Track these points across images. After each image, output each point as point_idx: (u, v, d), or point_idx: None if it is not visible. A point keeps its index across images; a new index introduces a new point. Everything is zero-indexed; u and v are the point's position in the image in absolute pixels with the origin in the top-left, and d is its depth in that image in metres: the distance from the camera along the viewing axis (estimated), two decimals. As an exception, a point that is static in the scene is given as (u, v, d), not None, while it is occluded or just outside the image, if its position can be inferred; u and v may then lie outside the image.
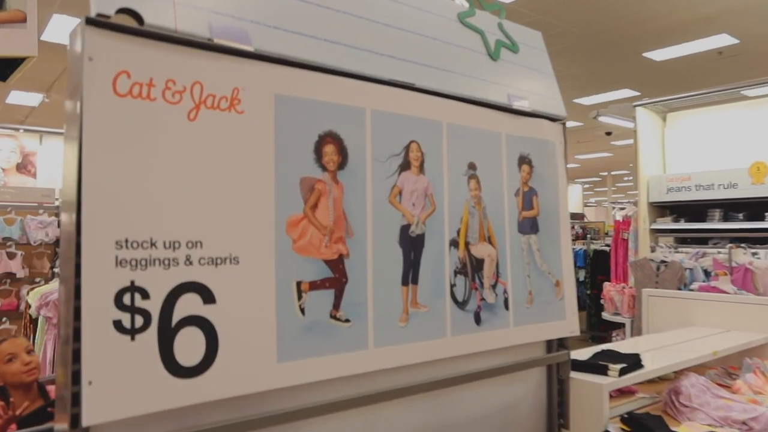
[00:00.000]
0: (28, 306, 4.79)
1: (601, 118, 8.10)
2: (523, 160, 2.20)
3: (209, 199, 1.40)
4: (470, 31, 2.11)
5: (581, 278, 8.62)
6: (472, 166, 2.01)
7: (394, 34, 1.84)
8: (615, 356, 2.50)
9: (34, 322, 4.76)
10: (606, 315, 6.63)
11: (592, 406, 2.26)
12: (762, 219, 5.91)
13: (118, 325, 1.25)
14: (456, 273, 1.93)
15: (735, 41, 8.26)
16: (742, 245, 5.49)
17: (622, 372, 2.32)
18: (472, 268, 1.99)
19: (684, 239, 6.59)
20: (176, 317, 1.33)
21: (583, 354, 2.57)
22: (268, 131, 1.52)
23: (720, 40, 8.25)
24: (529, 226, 2.21)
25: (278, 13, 1.57)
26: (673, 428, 2.36)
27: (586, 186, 25.53)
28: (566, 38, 8.19)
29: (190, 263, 1.36)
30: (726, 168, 6.13)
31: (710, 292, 4.05)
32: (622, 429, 2.31)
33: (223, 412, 1.42)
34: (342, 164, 1.66)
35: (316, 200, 1.60)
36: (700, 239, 6.41)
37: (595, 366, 2.37)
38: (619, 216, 7.16)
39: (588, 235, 10.37)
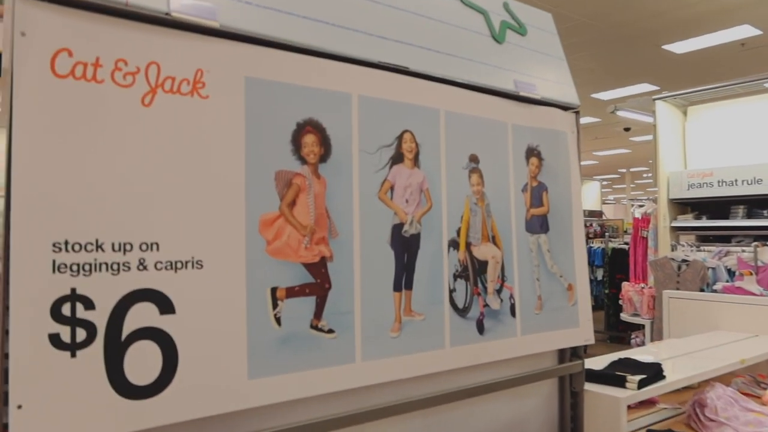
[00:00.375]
0: None
1: (620, 113, 7.87)
2: (532, 153, 2.01)
3: (167, 195, 1.23)
4: (472, 10, 1.92)
5: (599, 277, 8.43)
6: (473, 159, 1.83)
7: (385, 12, 1.66)
8: (633, 366, 2.30)
9: None
10: (624, 316, 6.40)
11: (609, 421, 2.06)
12: (788, 216, 5.64)
13: (55, 339, 1.09)
14: (456, 277, 1.75)
15: (758, 32, 7.95)
16: (768, 243, 5.24)
17: (642, 384, 2.12)
18: (474, 271, 1.80)
19: (706, 237, 6.34)
20: (127, 330, 1.17)
21: (598, 363, 2.38)
22: (237, 119, 1.34)
23: (742, 31, 7.96)
24: (538, 225, 2.01)
25: (250, -14, 1.40)
26: (698, 445, 2.16)
27: (605, 183, 25.14)
28: (582, 31, 7.94)
29: (144, 268, 1.20)
30: (750, 163, 5.88)
31: (735, 293, 3.81)
32: (642, 446, 2.11)
33: (184, 436, 1.26)
34: (324, 156, 1.48)
35: (294, 196, 1.42)
36: (723, 237, 6.16)
37: (612, 377, 2.17)
38: (638, 213, 6.91)
39: (606, 233, 10.12)
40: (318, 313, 1.44)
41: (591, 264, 8.45)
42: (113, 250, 1.16)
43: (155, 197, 1.22)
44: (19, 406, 1.04)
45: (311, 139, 1.46)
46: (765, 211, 5.88)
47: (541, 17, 2.16)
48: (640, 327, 6.33)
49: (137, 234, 1.19)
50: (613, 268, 8.31)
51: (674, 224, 6.39)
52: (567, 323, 2.06)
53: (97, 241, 1.15)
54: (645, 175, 23.95)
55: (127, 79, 1.21)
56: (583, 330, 2.11)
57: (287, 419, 1.41)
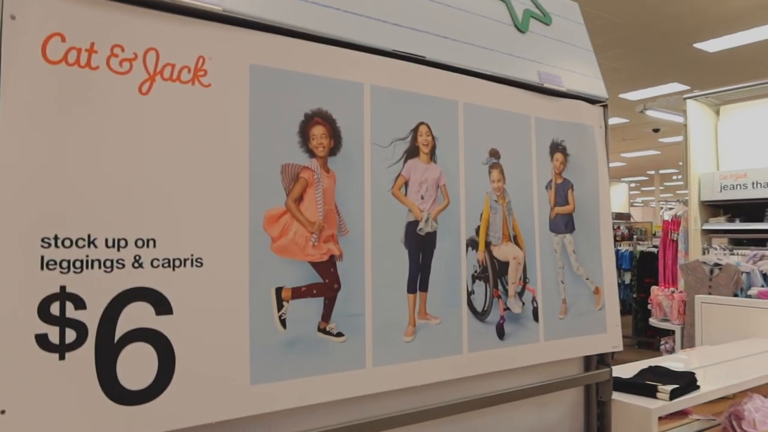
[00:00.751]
0: None
1: (649, 112, 7.68)
2: (557, 148, 1.91)
3: (165, 188, 1.17)
4: (493, -2, 1.82)
5: (627, 281, 8.24)
6: (494, 154, 1.73)
7: (400, -2, 1.58)
8: (665, 374, 2.17)
9: None
10: (654, 321, 6.22)
11: (638, 433, 1.94)
12: (827, 218, 5.42)
13: (42, 340, 1.02)
14: (474, 278, 1.65)
15: (795, 29, 7.68)
16: (807, 247, 5.03)
17: (674, 394, 1.99)
18: (494, 272, 1.70)
19: (739, 240, 6.14)
20: (120, 331, 1.10)
21: (627, 371, 2.26)
22: (241, 108, 1.27)
23: (778, 28, 7.69)
24: (563, 224, 1.90)
25: (256, -31, 1.33)
26: (734, 460, 2.02)
27: (632, 185, 24.67)
28: (611, 29, 7.76)
29: (140, 265, 1.13)
30: (786, 164, 5.67)
31: (772, 299, 3.64)
32: (674, 461, 1.99)
33: (181, 445, 1.18)
34: (334, 149, 1.40)
35: (302, 191, 1.34)
36: (758, 240, 5.95)
37: (642, 386, 2.06)
38: (667, 216, 6.73)
39: (634, 236, 9.91)
40: (326, 316, 1.36)
41: (618, 267, 8.28)
42: (107, 246, 1.10)
43: (152, 191, 1.15)
44: (3, 412, 0.98)
45: (320, 130, 1.38)
46: (802, 214, 5.67)
47: (567, 6, 2.05)
48: (669, 332, 6.15)
49: (132, 229, 1.13)
50: (641, 271, 8.16)
51: (706, 227, 6.21)
52: (593, 328, 1.95)
53: (89, 236, 1.08)
54: (675, 178, 23.44)
55: (123, 66, 1.14)
56: (610, 336, 1.99)
57: (291, 428, 1.33)
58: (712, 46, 8.42)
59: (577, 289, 1.92)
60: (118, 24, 1.14)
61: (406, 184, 1.53)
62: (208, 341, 1.19)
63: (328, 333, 1.36)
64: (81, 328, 1.06)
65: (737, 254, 5.59)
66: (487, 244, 1.69)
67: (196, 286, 1.19)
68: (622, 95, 11.07)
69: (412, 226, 1.53)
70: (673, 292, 6.11)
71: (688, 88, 10.35)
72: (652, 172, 22.24)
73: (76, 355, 1.05)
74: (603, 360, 2.02)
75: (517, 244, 1.77)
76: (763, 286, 4.66)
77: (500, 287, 1.71)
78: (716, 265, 5.17)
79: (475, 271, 1.66)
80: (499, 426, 1.76)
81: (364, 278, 1.43)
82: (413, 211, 1.53)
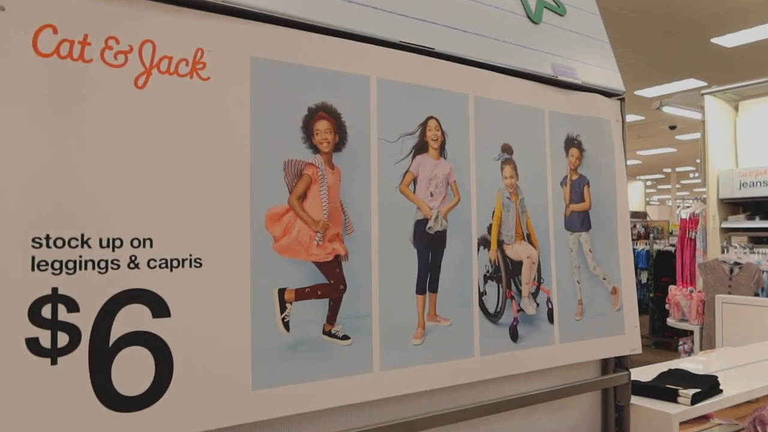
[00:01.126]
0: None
1: (665, 109, 7.54)
2: (572, 143, 1.84)
3: (162, 185, 1.12)
4: (505, -12, 1.76)
5: (644, 280, 8.13)
6: (506, 149, 1.67)
7: (408, -12, 1.52)
8: (686, 378, 2.10)
9: None
10: (671, 321, 6.11)
11: (658, 438, 1.87)
12: None
13: (33, 344, 0.98)
14: (486, 278, 1.59)
15: (816, 22, 7.51)
16: (830, 245, 4.90)
17: (696, 399, 1.92)
18: (506, 272, 1.64)
19: (760, 239, 6.01)
20: (115, 334, 1.06)
21: (645, 374, 2.18)
22: (242, 102, 1.22)
23: (799, 22, 7.53)
24: (578, 222, 1.84)
25: (257, -42, 1.27)
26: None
27: (649, 183, 24.38)
28: (626, 25, 7.65)
29: (136, 266, 1.09)
30: (807, 160, 5.54)
31: (795, 299, 3.54)
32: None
33: (180, 452, 1.14)
34: (339, 145, 1.35)
35: (305, 188, 1.29)
36: (780, 239, 5.83)
37: (662, 390, 1.98)
38: (685, 214, 6.60)
39: (651, 235, 9.77)
40: (331, 318, 1.31)
41: (635, 266, 8.15)
42: (101, 246, 1.05)
43: (149, 188, 1.11)
44: (-9, 419, 0.94)
45: (324, 125, 1.33)
46: (825, 211, 5.54)
47: (582, -3, 1.98)
48: (687, 333, 6.04)
49: (128, 228, 1.08)
50: (658, 270, 8.07)
51: (724, 225, 6.10)
52: (611, 330, 1.88)
53: (82, 236, 1.04)
54: (691, 175, 23.12)
55: (118, 59, 1.10)
56: (629, 338, 1.92)
57: (296, 435, 1.28)
58: (729, 41, 8.27)
59: (593, 289, 1.85)
60: (113, 15, 1.10)
61: (415, 180, 1.47)
62: (208, 345, 1.15)
63: (334, 336, 1.31)
64: (74, 332, 1.02)
65: (757, 253, 5.47)
66: (500, 243, 1.63)
67: (195, 288, 1.14)
68: (637, 92, 10.91)
69: (421, 225, 1.47)
70: (691, 291, 5.99)
71: (705, 84, 10.18)
72: (669, 170, 21.96)
73: (68, 360, 1.01)
74: (621, 363, 1.95)
75: (530, 242, 1.70)
76: (784, 286, 4.54)
77: (513, 288, 1.65)
78: (736, 263, 5.07)
79: (487, 271, 1.60)
80: None
81: (370, 279, 1.38)
82: (422, 208, 1.48)
